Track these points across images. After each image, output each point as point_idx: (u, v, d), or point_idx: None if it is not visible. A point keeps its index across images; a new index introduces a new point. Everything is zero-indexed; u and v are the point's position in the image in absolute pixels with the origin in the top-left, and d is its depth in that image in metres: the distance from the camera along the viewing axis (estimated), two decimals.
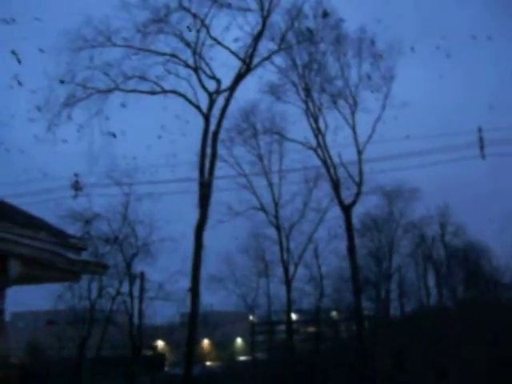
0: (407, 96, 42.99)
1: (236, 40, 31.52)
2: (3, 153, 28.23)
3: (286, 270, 41.25)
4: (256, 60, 32.21)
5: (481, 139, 28.18)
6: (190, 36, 31.07)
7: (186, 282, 29.99)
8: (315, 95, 36.36)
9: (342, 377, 27.60)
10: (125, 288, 31.01)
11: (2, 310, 6.74)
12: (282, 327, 47.61)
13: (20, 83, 25.84)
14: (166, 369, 36.27)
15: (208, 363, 36.96)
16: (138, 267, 31.25)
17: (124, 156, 30.10)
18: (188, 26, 30.81)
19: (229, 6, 30.85)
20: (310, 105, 36.32)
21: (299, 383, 26.86)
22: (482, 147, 28.23)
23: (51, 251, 6.25)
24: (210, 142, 31.07)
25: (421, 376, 28.78)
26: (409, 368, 28.93)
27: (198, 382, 28.65)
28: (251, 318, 52.13)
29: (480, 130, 28.27)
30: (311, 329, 47.71)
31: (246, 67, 31.72)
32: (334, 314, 49.74)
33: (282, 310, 44.26)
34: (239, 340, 59.39)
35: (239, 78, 31.63)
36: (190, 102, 30.95)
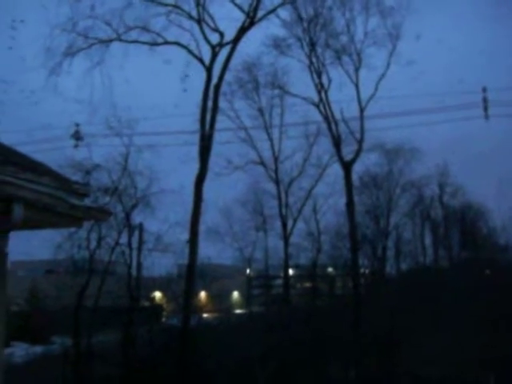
0: (414, 54, 42.70)
1: None
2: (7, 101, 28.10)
3: (285, 225, 41.48)
4: (260, 13, 31.86)
5: (485, 99, 28.04)
6: None
7: (184, 235, 30.19)
8: (319, 50, 36.17)
9: (338, 331, 27.95)
10: (123, 239, 31.12)
11: (5, 254, 6.80)
12: (279, 281, 48.08)
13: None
14: (163, 319, 36.63)
15: (205, 315, 37.30)
16: (137, 218, 31.35)
17: (125, 107, 29.84)
18: None
19: None
20: (314, 60, 36.17)
21: (295, 335, 27.21)
22: (485, 108, 28.11)
23: (54, 196, 6.26)
24: (211, 95, 30.92)
25: (413, 332, 29.20)
26: (402, 325, 29.28)
27: (195, 333, 29.01)
28: (248, 271, 52.59)
29: (484, 89, 28.10)
30: (307, 284, 48.15)
31: (250, 20, 31.37)
32: (330, 270, 50.20)
33: (279, 264, 44.63)
34: (236, 293, 59.95)
35: (243, 31, 31.30)
36: (193, 54, 30.71)
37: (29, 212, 5.98)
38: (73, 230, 27.03)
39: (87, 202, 7.11)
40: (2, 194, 5.67)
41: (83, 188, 6.97)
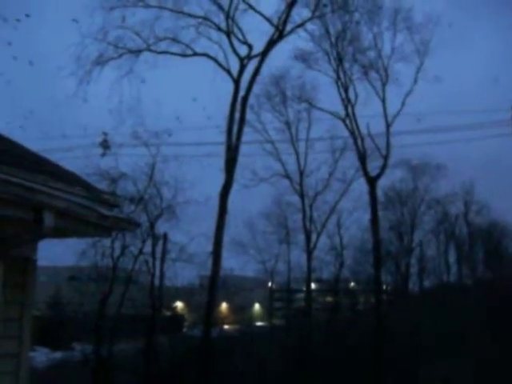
0: (441, 71, 42.50)
1: (270, 6, 31.27)
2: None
3: (308, 239, 41.35)
4: (289, 26, 31.93)
5: None
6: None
7: (208, 246, 30.22)
8: (346, 65, 36.17)
9: (358, 347, 27.79)
10: (147, 248, 31.28)
11: (34, 261, 6.89)
12: (301, 295, 47.94)
13: None
14: (185, 330, 36.75)
15: (226, 326, 37.33)
16: (161, 228, 31.49)
17: (152, 117, 30.06)
18: None
19: None
20: (341, 74, 36.13)
21: (315, 351, 27.12)
22: None
23: (84, 205, 6.32)
24: (238, 107, 31.02)
25: (434, 351, 28.91)
26: (423, 342, 29.05)
27: (216, 344, 29.01)
28: (270, 284, 52.50)
29: None
30: (329, 298, 47.96)
31: (279, 33, 31.43)
32: (352, 284, 49.98)
33: (302, 278, 44.54)
34: (257, 306, 59.89)
35: (271, 44, 31.36)
36: (221, 65, 30.85)
37: (59, 221, 6.04)
38: (97, 238, 27.24)
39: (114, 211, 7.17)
40: (32, 202, 5.74)
41: (113, 198, 7.04)
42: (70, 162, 7.96)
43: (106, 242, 29.22)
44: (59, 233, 6.59)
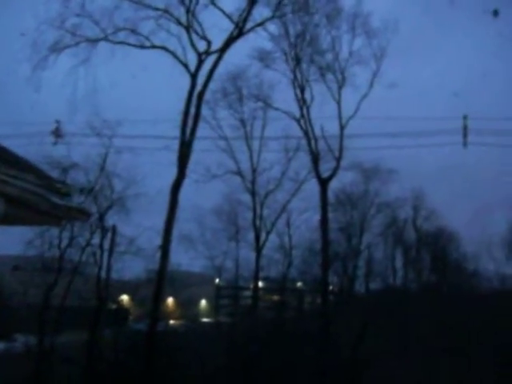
0: (396, 76, 43.01)
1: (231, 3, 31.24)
2: None
3: (257, 237, 41.47)
4: (249, 25, 31.94)
5: (465, 127, 28.39)
6: None
7: (157, 240, 30.06)
8: (304, 66, 36.39)
9: (304, 345, 27.95)
10: (95, 240, 30.96)
11: None
12: (248, 293, 48.04)
13: None
14: (130, 323, 36.40)
15: (171, 321, 37.12)
16: (110, 220, 31.20)
17: (107, 108, 29.75)
18: None
19: None
20: (298, 75, 36.33)
21: (260, 347, 27.17)
22: (465, 135, 28.47)
23: (36, 193, 6.21)
24: (194, 102, 30.91)
25: (380, 353, 29.27)
26: (368, 344, 29.37)
27: (162, 338, 28.84)
28: (217, 280, 52.47)
29: (465, 117, 28.46)
30: (276, 297, 48.16)
31: (239, 31, 31.42)
32: (299, 284, 50.28)
33: (249, 275, 44.66)
34: (204, 302, 59.79)
35: (230, 40, 31.32)
36: (179, 59, 30.66)
37: (10, 208, 5.92)
38: (45, 227, 26.84)
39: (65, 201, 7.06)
40: None
41: (65, 187, 6.94)
42: (20, 150, 7.78)
43: (54, 231, 28.86)
44: (8, 220, 6.46)
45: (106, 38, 29.76)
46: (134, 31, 30.09)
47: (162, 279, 29.50)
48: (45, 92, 28.64)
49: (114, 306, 34.13)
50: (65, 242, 30.13)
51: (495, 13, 26.85)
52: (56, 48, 28.94)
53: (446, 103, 43.19)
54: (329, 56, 36.01)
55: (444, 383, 27.02)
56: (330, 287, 44.55)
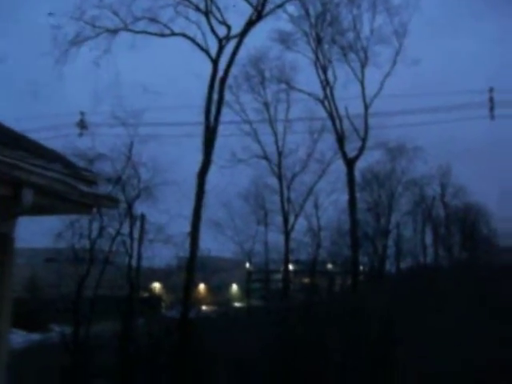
0: (420, 53, 42.60)
1: None
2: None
3: (286, 220, 41.45)
4: (268, 7, 31.79)
5: (491, 100, 27.98)
6: None
7: (186, 227, 30.18)
8: (326, 47, 36.19)
9: (335, 327, 27.94)
10: (125, 229, 31.13)
11: (13, 239, 6.80)
12: (278, 276, 48.09)
13: None
14: (162, 311, 36.68)
15: (203, 307, 37.37)
16: (139, 209, 31.35)
17: (131, 97, 29.85)
18: None
19: None
20: (320, 56, 36.18)
21: (293, 331, 27.22)
22: (491, 108, 28.07)
23: (64, 182, 6.25)
24: (217, 88, 30.88)
25: (412, 331, 29.16)
26: (399, 323, 29.25)
27: (194, 325, 29.02)
28: (248, 265, 52.61)
29: (491, 90, 28.03)
30: (306, 280, 48.17)
31: (258, 14, 31.30)
32: (329, 266, 50.23)
33: (279, 259, 44.66)
34: (235, 286, 60.01)
35: (250, 24, 31.22)
36: (199, 46, 30.66)
37: (38, 198, 5.97)
38: (74, 218, 27.06)
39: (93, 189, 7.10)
40: (11, 178, 5.65)
41: (92, 175, 6.98)
42: (47, 143, 7.83)
43: (84, 222, 29.07)
44: (37, 210, 6.52)
45: (125, 28, 29.86)
46: (153, 20, 30.15)
47: (193, 266, 29.68)
48: (68, 84, 28.87)
49: (146, 294, 34.38)
50: (95, 233, 30.33)
51: None
52: (77, 41, 29.11)
53: (470, 77, 42.71)
54: (350, 35, 35.83)
55: (484, 362, 26.61)
56: (361, 268, 44.47)
